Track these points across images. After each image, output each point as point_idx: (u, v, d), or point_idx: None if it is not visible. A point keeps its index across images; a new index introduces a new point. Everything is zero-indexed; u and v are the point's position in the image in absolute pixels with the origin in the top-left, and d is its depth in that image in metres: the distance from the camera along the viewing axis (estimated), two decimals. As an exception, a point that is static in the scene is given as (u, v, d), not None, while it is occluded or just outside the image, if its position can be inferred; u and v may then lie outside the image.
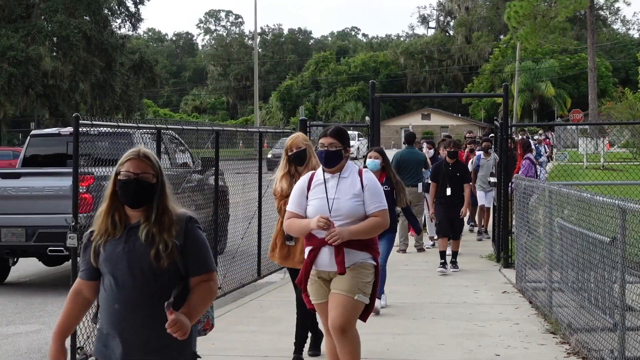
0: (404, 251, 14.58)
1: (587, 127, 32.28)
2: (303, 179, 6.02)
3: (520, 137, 18.04)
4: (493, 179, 14.01)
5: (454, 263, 12.79)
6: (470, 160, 16.65)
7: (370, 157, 9.31)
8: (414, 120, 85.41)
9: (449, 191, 12.57)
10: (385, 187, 8.73)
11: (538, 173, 14.29)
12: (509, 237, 13.01)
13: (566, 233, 8.52)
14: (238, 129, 13.80)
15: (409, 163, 14.43)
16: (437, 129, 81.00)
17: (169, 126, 9.68)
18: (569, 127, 25.84)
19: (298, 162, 7.23)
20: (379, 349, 8.06)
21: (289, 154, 7.21)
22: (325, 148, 5.87)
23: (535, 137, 30.48)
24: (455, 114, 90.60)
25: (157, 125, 9.10)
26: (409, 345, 8.20)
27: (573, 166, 23.40)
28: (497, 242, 13.75)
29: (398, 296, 10.77)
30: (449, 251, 12.87)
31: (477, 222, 17.16)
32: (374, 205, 5.79)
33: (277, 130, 16.24)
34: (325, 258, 5.79)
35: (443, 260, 12.52)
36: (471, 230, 17.65)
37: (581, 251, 7.85)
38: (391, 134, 77.55)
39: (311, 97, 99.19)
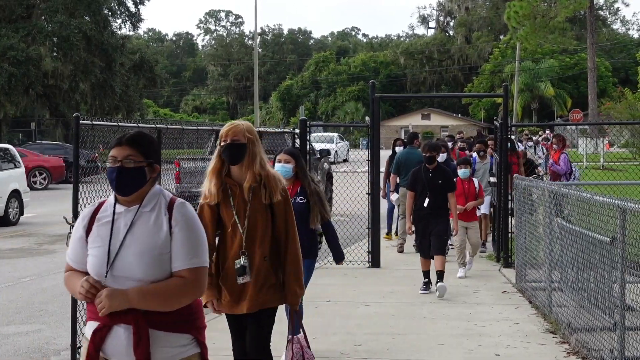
0: (401, 251, 14.58)
1: (586, 127, 32.35)
2: (85, 213, 3.83)
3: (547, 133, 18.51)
4: (493, 179, 14.01)
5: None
6: None
7: (279, 161, 7.18)
8: (414, 120, 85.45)
9: (426, 202, 10.78)
10: (300, 199, 7.13)
11: (573, 170, 14.54)
12: (509, 237, 13.02)
13: (566, 233, 8.54)
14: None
15: (407, 164, 14.47)
16: (437, 129, 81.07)
17: (169, 126, 9.69)
18: (568, 127, 25.88)
19: (229, 158, 5.26)
20: (379, 349, 8.08)
21: (222, 144, 5.29)
22: (119, 163, 3.69)
23: (535, 138, 30.52)
24: (455, 114, 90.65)
25: (157, 126, 9.12)
26: (409, 345, 8.21)
27: (576, 167, 23.38)
28: (497, 242, 13.76)
29: (398, 296, 10.79)
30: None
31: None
32: (183, 259, 3.65)
33: (277, 130, 16.29)
34: (119, 343, 3.63)
35: (426, 280, 10.99)
36: None
37: (581, 251, 7.86)
38: (391, 134, 77.61)
39: (311, 97, 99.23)
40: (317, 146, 24.45)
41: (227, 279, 5.34)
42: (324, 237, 7.59)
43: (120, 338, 3.62)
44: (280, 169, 7.08)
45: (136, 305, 3.56)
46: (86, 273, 3.74)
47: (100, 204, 3.84)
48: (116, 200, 3.77)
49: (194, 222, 3.74)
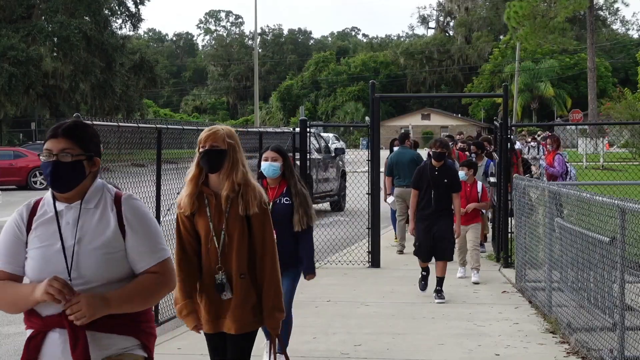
0: (401, 252, 14.57)
1: (586, 127, 32.36)
2: (19, 212, 3.49)
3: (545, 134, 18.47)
4: (493, 179, 14.02)
5: (438, 292, 10.33)
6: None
7: (266, 159, 6.72)
8: (413, 121, 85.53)
9: (431, 201, 10.24)
10: (286, 200, 6.66)
11: (569, 169, 14.50)
12: (509, 237, 13.02)
13: (566, 233, 8.55)
14: (238, 129, 13.83)
15: (399, 163, 14.50)
16: (437, 129, 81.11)
17: (169, 126, 9.71)
18: (568, 127, 25.88)
19: (207, 165, 4.92)
20: (378, 348, 8.08)
21: (200, 150, 4.97)
22: (54, 157, 3.36)
23: (538, 139, 30.50)
24: (455, 114, 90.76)
25: (157, 126, 9.13)
26: (409, 345, 8.21)
27: (572, 166, 23.42)
28: (497, 242, 13.76)
29: (398, 296, 10.79)
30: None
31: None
32: (149, 257, 3.41)
33: (277, 130, 16.31)
34: (55, 351, 3.36)
35: (425, 273, 10.63)
36: None
37: (581, 251, 7.87)
38: (391, 134, 77.61)
39: (311, 97, 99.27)
40: (332, 145, 25.52)
41: (203, 294, 4.99)
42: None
43: (56, 344, 3.35)
44: (267, 167, 6.72)
45: (115, 309, 3.31)
46: (19, 279, 3.43)
47: (37, 201, 3.50)
48: (55, 197, 3.44)
49: (145, 215, 3.47)
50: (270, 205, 6.45)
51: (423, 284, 10.71)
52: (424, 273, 10.66)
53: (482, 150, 14.73)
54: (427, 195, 10.25)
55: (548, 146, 15.10)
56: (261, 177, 6.77)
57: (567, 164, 14.69)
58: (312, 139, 20.11)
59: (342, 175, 22.69)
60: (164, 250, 3.47)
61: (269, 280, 4.87)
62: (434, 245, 10.27)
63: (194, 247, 4.99)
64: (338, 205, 22.16)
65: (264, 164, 6.73)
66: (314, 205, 23.40)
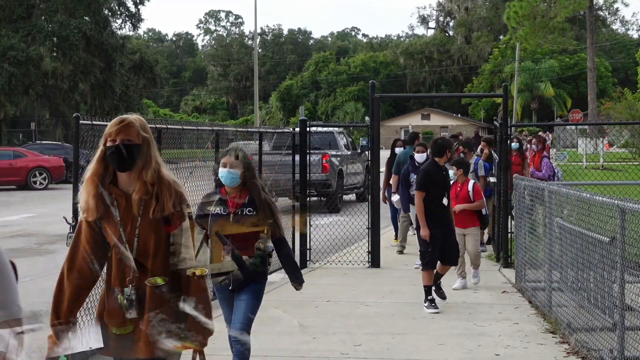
0: (401, 252, 14.56)
1: (586, 127, 32.36)
2: None
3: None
4: (493, 179, 14.02)
5: (438, 289, 10.24)
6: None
7: (224, 165, 6.05)
8: (413, 121, 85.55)
9: (445, 201, 9.83)
10: (249, 211, 6.02)
11: (555, 171, 14.47)
12: (509, 237, 13.02)
13: (566, 233, 8.55)
14: (238, 129, 13.84)
15: (405, 163, 14.52)
16: (436, 129, 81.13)
17: (169, 126, 9.72)
18: (568, 127, 25.88)
19: (118, 163, 4.15)
20: (378, 348, 8.08)
21: (108, 145, 4.16)
22: None
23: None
24: (454, 114, 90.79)
25: (157, 126, 9.15)
26: (408, 345, 8.21)
27: (572, 166, 23.43)
28: (497, 242, 13.76)
29: (398, 296, 10.79)
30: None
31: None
32: None
33: (276, 130, 16.34)
34: None
35: (432, 297, 9.82)
36: None
37: (580, 251, 7.87)
38: (391, 134, 77.64)
39: (311, 97, 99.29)
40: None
41: (111, 314, 4.27)
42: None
43: None
44: (226, 175, 6.02)
45: None
46: None
47: None
48: None
49: (2, 264, 2.71)
50: (231, 217, 6.03)
51: (434, 305, 9.79)
52: (431, 297, 9.80)
53: (469, 149, 14.57)
54: (440, 198, 9.78)
55: (533, 146, 14.93)
56: (219, 185, 6.18)
57: (553, 166, 14.66)
58: (342, 137, 24.30)
59: (367, 169, 24.65)
60: (10, 311, 2.84)
61: (196, 292, 4.16)
62: (446, 250, 9.83)
63: (94, 261, 4.26)
64: (363, 196, 23.96)
65: (221, 171, 6.03)
66: (344, 197, 24.43)
